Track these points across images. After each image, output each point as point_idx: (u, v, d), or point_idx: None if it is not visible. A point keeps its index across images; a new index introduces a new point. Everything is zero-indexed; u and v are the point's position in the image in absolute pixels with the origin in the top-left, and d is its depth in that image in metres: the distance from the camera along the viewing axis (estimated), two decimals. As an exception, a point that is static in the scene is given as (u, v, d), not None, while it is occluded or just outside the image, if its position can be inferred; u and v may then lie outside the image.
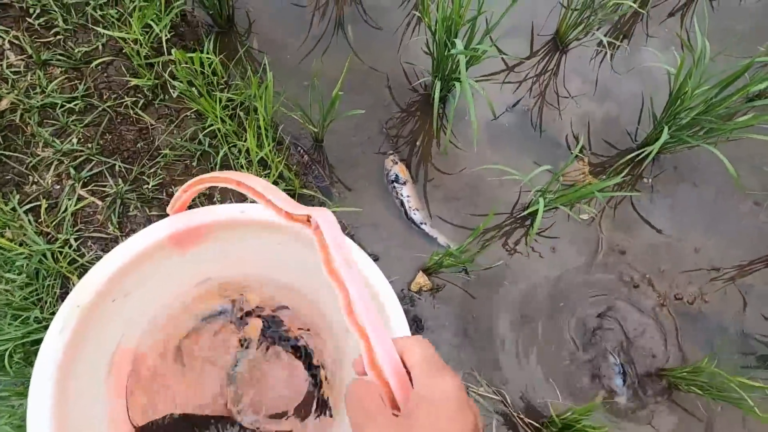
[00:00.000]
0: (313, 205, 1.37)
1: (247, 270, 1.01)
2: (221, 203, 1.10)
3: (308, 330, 1.10)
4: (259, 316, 1.10)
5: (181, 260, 0.85)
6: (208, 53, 1.43)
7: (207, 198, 1.33)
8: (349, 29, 1.74)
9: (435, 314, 1.40)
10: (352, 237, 1.43)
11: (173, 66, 1.31)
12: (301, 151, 1.51)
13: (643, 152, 1.47)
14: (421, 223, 1.47)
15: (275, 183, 1.34)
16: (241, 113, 1.43)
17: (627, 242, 1.57)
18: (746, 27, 1.94)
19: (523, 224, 1.54)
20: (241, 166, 1.31)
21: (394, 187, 1.50)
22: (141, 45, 1.37)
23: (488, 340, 1.40)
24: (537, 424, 1.30)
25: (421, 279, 1.42)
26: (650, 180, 1.66)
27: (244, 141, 1.26)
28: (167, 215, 0.81)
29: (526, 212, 1.49)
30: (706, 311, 1.52)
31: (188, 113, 1.37)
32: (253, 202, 0.72)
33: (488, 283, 1.46)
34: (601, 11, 1.63)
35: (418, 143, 1.60)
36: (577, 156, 1.64)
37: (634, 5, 1.61)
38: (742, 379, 1.20)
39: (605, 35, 1.85)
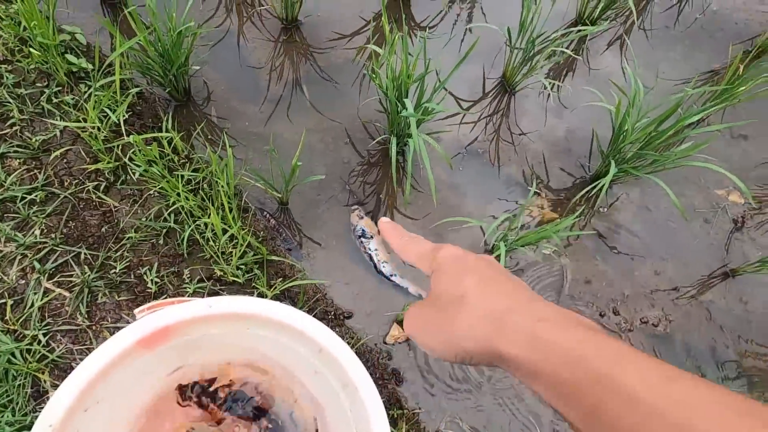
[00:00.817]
0: (282, 269, 1.40)
1: (220, 357, 1.02)
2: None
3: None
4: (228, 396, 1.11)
5: (151, 356, 0.86)
6: (167, 130, 1.46)
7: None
8: (306, 89, 1.79)
9: (413, 364, 1.42)
10: (324, 297, 1.45)
11: (133, 149, 1.33)
12: (267, 215, 1.54)
13: (595, 186, 1.55)
14: (391, 275, 1.50)
15: (243, 254, 1.36)
16: (206, 186, 1.45)
17: (591, 272, 1.63)
18: (680, 52, 2.07)
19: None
20: (208, 240, 1.33)
21: (362, 242, 1.54)
22: (99, 130, 1.39)
23: (468, 385, 1.42)
24: (522, 466, 1.32)
25: (396, 331, 1.44)
26: (606, 209, 1.74)
27: (209, 216, 1.28)
28: (136, 300, 0.83)
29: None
30: (672, 331, 1.58)
31: (151, 192, 1.39)
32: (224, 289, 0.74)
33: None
34: (542, 55, 1.72)
35: (381, 196, 1.64)
36: (535, 192, 1.71)
37: (569, 52, 1.71)
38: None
39: (549, 76, 1.96)
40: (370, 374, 1.32)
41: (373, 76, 1.44)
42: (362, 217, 1.58)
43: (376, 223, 1.59)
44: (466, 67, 1.92)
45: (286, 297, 1.39)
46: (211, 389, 1.08)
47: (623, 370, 0.28)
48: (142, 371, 0.88)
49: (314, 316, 1.36)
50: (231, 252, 1.31)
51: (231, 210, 1.35)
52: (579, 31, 1.76)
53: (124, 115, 1.43)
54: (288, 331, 0.90)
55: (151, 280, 1.27)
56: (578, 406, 0.28)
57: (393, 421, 1.28)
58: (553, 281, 1.59)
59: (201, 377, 1.05)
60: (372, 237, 1.54)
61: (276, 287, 1.30)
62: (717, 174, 1.51)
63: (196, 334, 0.90)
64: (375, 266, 1.51)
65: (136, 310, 0.83)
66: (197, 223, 1.35)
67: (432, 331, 0.38)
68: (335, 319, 1.41)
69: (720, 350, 1.58)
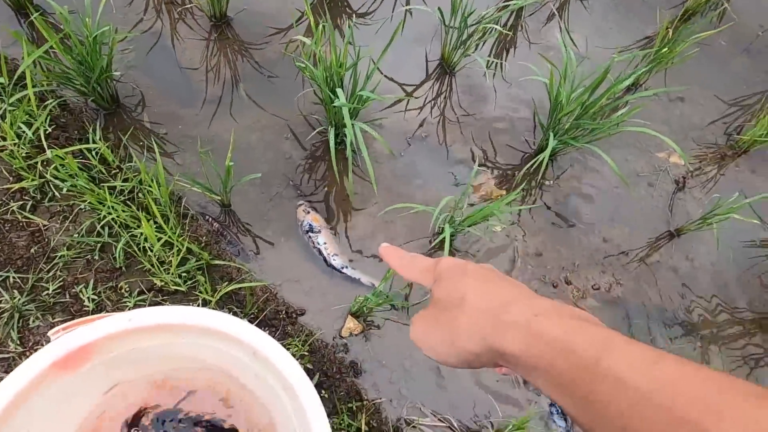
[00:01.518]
0: (229, 273, 1.36)
1: (159, 369, 0.99)
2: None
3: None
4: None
5: (73, 378, 0.83)
6: (94, 141, 1.40)
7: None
8: (243, 87, 1.75)
9: (371, 355, 1.42)
10: (275, 296, 1.43)
11: (55, 164, 1.28)
12: (210, 219, 1.50)
13: (536, 160, 1.56)
14: (343, 268, 1.49)
15: (184, 261, 1.32)
16: (141, 195, 1.40)
17: (541, 245, 1.64)
18: (614, 21, 2.10)
19: (442, 249, 1.58)
20: (145, 251, 1.29)
21: (310, 236, 1.51)
22: (19, 147, 1.32)
23: (427, 370, 1.42)
24: (485, 443, 1.33)
25: (351, 324, 1.43)
26: (552, 182, 1.75)
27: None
28: (73, 320, 0.79)
29: (437, 240, 1.54)
30: (623, 295, 1.61)
31: (82, 206, 1.33)
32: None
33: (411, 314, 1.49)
34: (476, 33, 1.72)
35: (327, 189, 1.62)
36: (481, 171, 1.72)
37: (500, 28, 1.71)
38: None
39: (492, 54, 1.95)
40: (327, 369, 1.31)
41: (303, 67, 1.41)
42: (309, 212, 1.55)
43: (326, 216, 1.57)
44: (408, 52, 1.90)
45: (234, 301, 1.36)
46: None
47: (610, 355, 0.28)
48: (67, 393, 0.85)
49: (264, 317, 1.34)
50: (171, 261, 1.27)
51: (167, 218, 1.31)
52: (505, 6, 1.76)
53: (46, 129, 1.37)
54: (220, 337, 0.88)
55: (88, 297, 1.22)
56: (573, 395, 0.29)
57: (353, 414, 1.28)
58: (505, 257, 1.60)
59: (144, 403, 1.01)
60: (320, 231, 1.52)
61: (220, 292, 1.27)
62: (658, 138, 1.53)
63: (123, 350, 0.87)
64: (325, 260, 1.49)
65: (50, 332, 0.79)
66: (132, 234, 1.30)
67: (435, 335, 0.39)
68: (287, 317, 1.38)
69: (671, 308, 1.62)
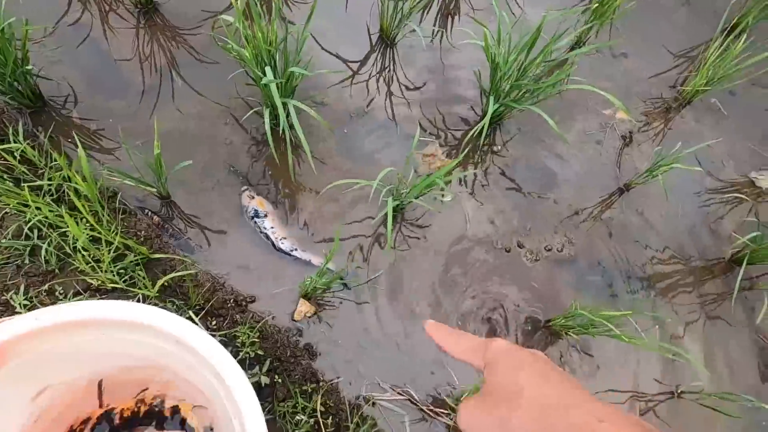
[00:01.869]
0: (173, 266, 1.32)
1: (92, 368, 0.96)
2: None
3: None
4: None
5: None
6: (16, 141, 1.33)
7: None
8: (177, 73, 1.68)
9: (326, 337, 1.40)
10: (222, 286, 1.39)
11: (-30, 167, 1.21)
12: (149, 213, 1.45)
13: (479, 126, 1.54)
14: (292, 250, 1.46)
15: (121, 257, 1.28)
16: (71, 193, 1.35)
17: (492, 211, 1.64)
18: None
19: (394, 228, 1.56)
20: (78, 250, 1.24)
21: (256, 222, 1.48)
22: (-69, 152, 1.25)
23: (383, 346, 1.41)
24: (445, 411, 1.33)
25: (304, 306, 1.41)
26: (501, 147, 1.74)
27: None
28: None
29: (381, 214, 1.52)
30: (576, 254, 1.62)
31: (7, 210, 1.27)
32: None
33: (372, 290, 1.47)
34: (414, 4, 1.68)
35: (270, 171, 1.58)
36: (429, 142, 1.69)
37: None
38: (606, 312, 1.29)
39: (437, 23, 1.92)
40: (281, 354, 1.28)
41: (227, 47, 1.35)
42: (253, 197, 1.51)
43: (274, 200, 1.53)
44: (348, 27, 1.86)
45: (178, 294, 1.32)
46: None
47: None
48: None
49: (211, 307, 1.30)
50: (105, 258, 1.23)
51: (99, 214, 1.26)
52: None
53: (-40, 132, 1.30)
54: (141, 329, 0.85)
55: (20, 303, 1.17)
56: None
57: (307, 396, 1.26)
58: (456, 227, 1.59)
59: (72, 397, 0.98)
60: (266, 215, 1.49)
61: (157, 285, 1.23)
62: (604, 95, 1.53)
63: (38, 351, 0.83)
64: (273, 244, 1.46)
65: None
66: (63, 234, 1.25)
67: (485, 428, 0.38)
68: (237, 306, 1.35)
69: (625, 263, 1.64)
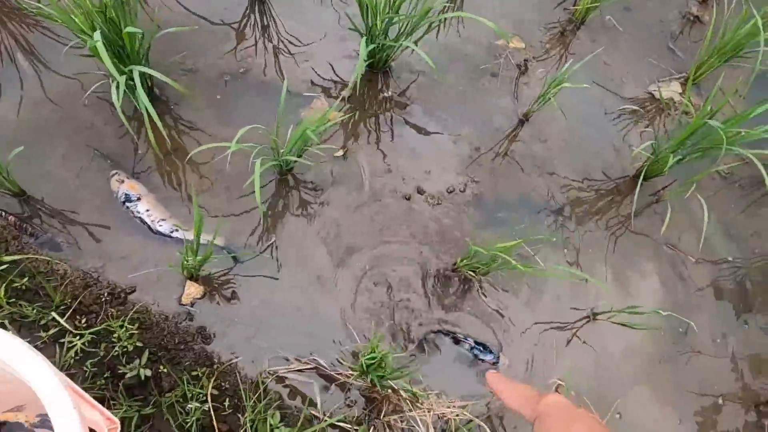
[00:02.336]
0: (36, 266, 1.20)
1: None
2: None
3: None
4: None
5: None
6: None
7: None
8: (20, 57, 1.50)
9: (220, 317, 1.30)
10: (96, 280, 1.27)
11: None
12: (2, 213, 1.30)
13: (358, 71, 1.44)
14: (172, 232, 1.34)
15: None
16: None
17: (388, 161, 1.56)
18: None
19: (283, 193, 1.46)
20: None
21: (128, 207, 1.35)
22: None
23: (284, 317, 1.33)
24: (353, 372, 1.27)
25: (192, 288, 1.30)
26: (390, 92, 1.65)
27: None
28: None
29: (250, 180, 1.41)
30: (481, 192, 1.56)
31: None
32: None
33: (267, 262, 1.38)
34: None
35: (140, 151, 1.44)
36: (314, 96, 1.59)
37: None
38: (502, 244, 1.25)
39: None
40: (168, 342, 1.18)
41: (42, 12, 1.20)
42: (123, 181, 1.38)
43: (147, 185, 1.40)
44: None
45: (41, 296, 1.19)
46: None
47: None
48: None
49: (80, 304, 1.18)
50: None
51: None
52: None
53: None
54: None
55: None
56: None
57: (199, 382, 1.17)
58: (353, 182, 1.51)
59: None
60: (139, 199, 1.36)
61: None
62: (483, 22, 1.44)
63: None
64: (150, 228, 1.34)
65: None
66: None
67: None
68: (114, 299, 1.24)
69: (533, 195, 1.59)
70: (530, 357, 1.38)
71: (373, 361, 1.09)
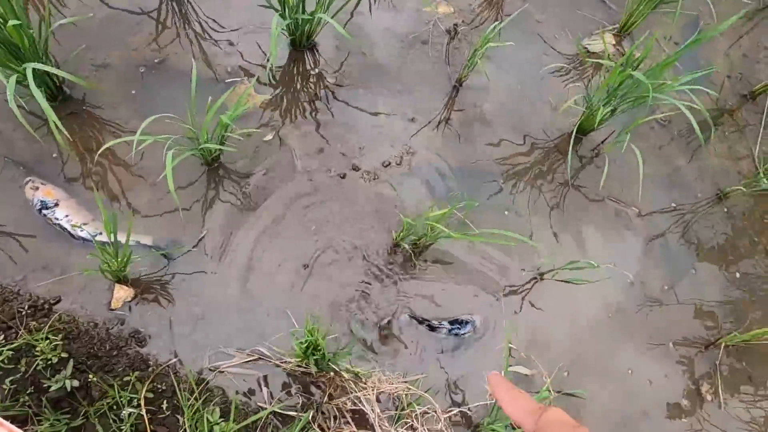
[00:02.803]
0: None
1: None
2: None
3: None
4: None
5: None
6: None
7: None
8: None
9: (155, 318, 1.25)
10: (16, 294, 1.21)
11: None
12: None
13: (273, 50, 1.38)
14: (95, 236, 1.28)
15: None
16: None
17: (321, 139, 1.51)
18: None
19: (213, 185, 1.41)
20: None
21: (45, 214, 1.28)
22: None
23: (222, 311, 1.29)
24: (295, 359, 1.24)
25: (121, 292, 1.25)
26: (318, 69, 1.59)
27: None
28: None
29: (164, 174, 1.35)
30: (417, 164, 1.53)
31: None
32: None
33: (200, 256, 1.33)
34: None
35: (54, 155, 1.37)
36: (235, 82, 1.52)
37: None
38: (432, 213, 1.22)
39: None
40: (98, 350, 1.13)
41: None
42: (38, 188, 1.30)
43: (66, 190, 1.33)
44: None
45: (-47, 316, 1.13)
46: None
47: None
48: None
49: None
50: None
51: None
52: None
53: None
54: None
55: None
56: None
57: (132, 387, 1.13)
58: (285, 166, 1.46)
59: None
60: (56, 204, 1.29)
61: None
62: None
63: None
64: (71, 234, 1.28)
65: None
66: None
67: None
68: (35, 313, 1.18)
69: (474, 161, 1.57)
70: (483, 321, 1.37)
71: (308, 345, 1.06)
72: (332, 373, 1.14)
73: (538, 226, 1.52)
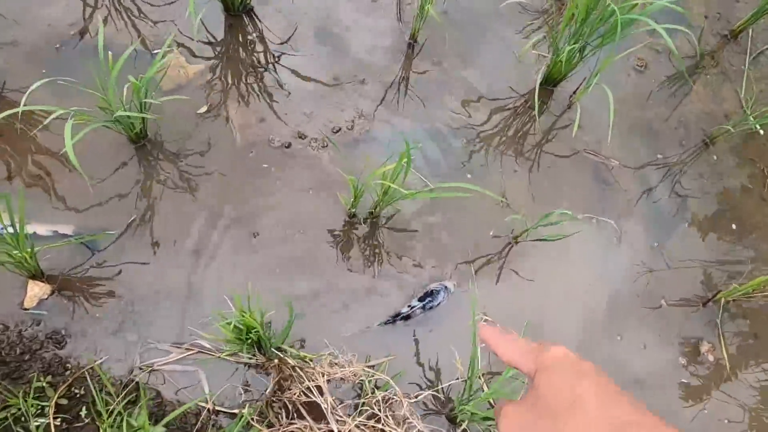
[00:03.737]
0: None
1: None
2: None
3: None
4: None
5: None
6: None
7: None
8: None
9: (78, 315, 1.10)
10: None
11: None
12: None
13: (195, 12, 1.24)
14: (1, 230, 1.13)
15: None
16: None
17: (263, 109, 1.36)
18: None
19: (143, 164, 1.26)
20: None
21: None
22: None
23: (153, 301, 1.14)
24: (235, 349, 1.09)
25: (35, 289, 1.10)
26: (256, 36, 1.45)
27: None
28: None
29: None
30: (371, 128, 1.39)
31: None
32: None
33: (128, 244, 1.18)
34: None
35: (-42, 142, 1.22)
36: (165, 52, 1.37)
37: None
38: (377, 170, 1.07)
39: None
40: (7, 355, 0.97)
41: None
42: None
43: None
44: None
45: None
46: None
47: None
48: None
49: None
50: None
51: None
52: None
53: None
54: None
55: None
56: None
57: (45, 393, 0.97)
58: (223, 139, 1.31)
59: None
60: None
61: None
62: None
63: None
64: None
65: None
66: None
67: None
68: (-67, 317, 1.03)
69: (433, 121, 1.43)
70: (457, 284, 1.22)
71: (241, 327, 0.91)
72: (276, 360, 0.99)
73: (510, 188, 1.38)
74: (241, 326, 0.89)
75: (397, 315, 1.17)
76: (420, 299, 1.19)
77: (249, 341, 0.92)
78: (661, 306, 1.32)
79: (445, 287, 1.20)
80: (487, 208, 1.34)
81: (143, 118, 1.20)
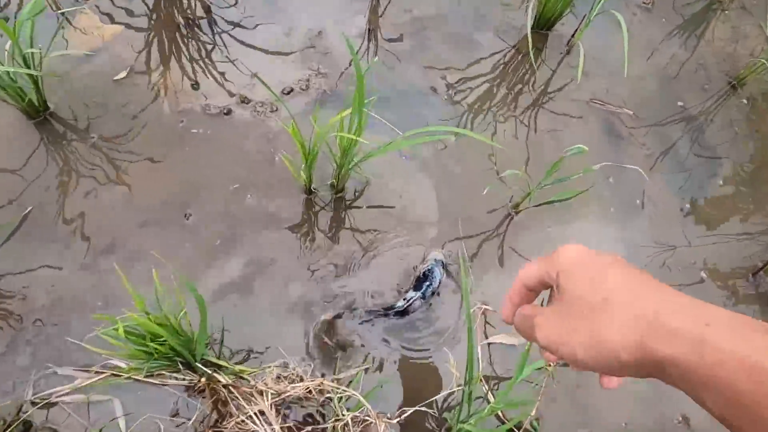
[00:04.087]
0: None
1: None
2: None
3: None
4: None
5: None
6: None
7: None
8: None
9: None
10: None
11: None
12: None
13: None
14: None
15: None
16: None
17: (197, 72, 1.12)
18: None
19: (47, 141, 1.01)
20: None
21: None
22: None
23: (57, 313, 0.88)
24: (173, 372, 0.82)
25: None
26: (195, 20, 1.21)
27: None
28: None
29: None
30: (331, 86, 1.14)
31: None
32: None
33: (28, 243, 0.93)
34: None
35: None
36: (76, 11, 1.13)
37: None
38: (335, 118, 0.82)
39: None
40: None
41: None
42: None
43: None
44: None
45: None
46: None
47: None
48: None
49: None
50: None
51: None
52: None
53: None
54: None
55: None
56: (760, 420, 0.26)
57: None
58: (148, 109, 1.06)
59: None
60: None
61: None
62: None
63: None
64: None
65: None
66: None
67: (576, 340, 0.33)
68: None
69: (419, 83, 1.18)
70: (447, 255, 0.97)
71: (144, 333, 0.65)
72: (204, 379, 0.72)
73: (504, 155, 1.13)
74: (142, 332, 0.63)
75: (390, 308, 0.91)
76: (415, 288, 0.93)
77: (159, 354, 0.66)
78: (700, 277, 1.06)
79: (436, 260, 0.94)
80: (480, 172, 1.09)
81: (37, 84, 0.95)
